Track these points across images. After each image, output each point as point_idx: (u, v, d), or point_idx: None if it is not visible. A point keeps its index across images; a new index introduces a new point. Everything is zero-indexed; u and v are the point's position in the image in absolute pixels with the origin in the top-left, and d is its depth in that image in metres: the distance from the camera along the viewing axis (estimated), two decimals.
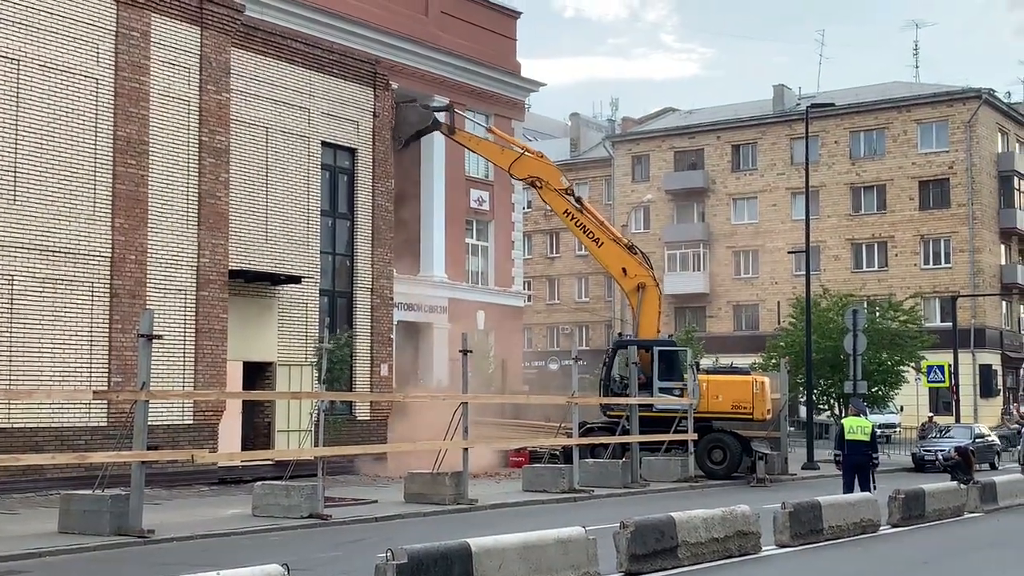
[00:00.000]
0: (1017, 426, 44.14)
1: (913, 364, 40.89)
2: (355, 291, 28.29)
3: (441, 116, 31.65)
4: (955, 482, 22.44)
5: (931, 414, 48.23)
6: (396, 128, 30.84)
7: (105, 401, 21.42)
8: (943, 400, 51.41)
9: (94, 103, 22.27)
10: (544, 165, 30.64)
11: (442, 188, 43.55)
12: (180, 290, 23.59)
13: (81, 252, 21.86)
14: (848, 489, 20.22)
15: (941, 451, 31.54)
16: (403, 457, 25.01)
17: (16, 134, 21.04)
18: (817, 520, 16.22)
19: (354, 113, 28.34)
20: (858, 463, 20.42)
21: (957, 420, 43.11)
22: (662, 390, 28.39)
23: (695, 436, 27.54)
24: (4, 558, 13.75)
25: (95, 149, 22.24)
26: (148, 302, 22.39)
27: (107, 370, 22.07)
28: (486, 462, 28.49)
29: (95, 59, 22.35)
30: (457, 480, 20.84)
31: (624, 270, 29.91)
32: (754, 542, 14.75)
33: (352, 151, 28.42)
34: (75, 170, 21.89)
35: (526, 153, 31.11)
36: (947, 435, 35.98)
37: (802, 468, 32.10)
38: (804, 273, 38.25)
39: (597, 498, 23.12)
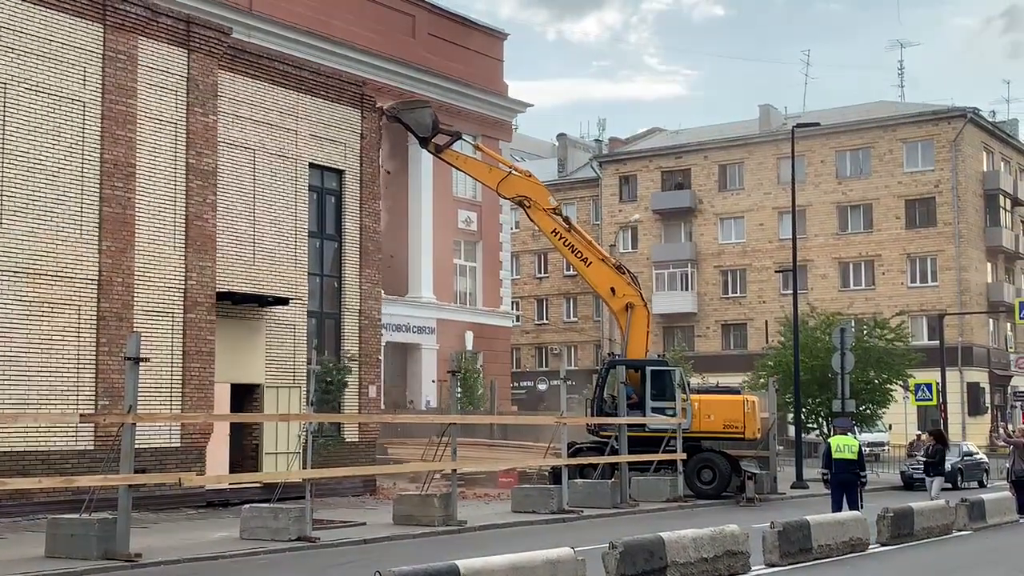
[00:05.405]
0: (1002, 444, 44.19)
1: (901, 382, 40.97)
2: (343, 312, 28.24)
3: (441, 140, 31.01)
4: (939, 477, 22.68)
5: (920, 432, 48.27)
6: (398, 106, 30.89)
7: (92, 424, 21.31)
8: (931, 418, 51.49)
9: (81, 126, 22.24)
10: (532, 184, 30.63)
11: (430, 209, 43.64)
12: (167, 312, 23.52)
13: (68, 275, 21.79)
14: (836, 507, 20.27)
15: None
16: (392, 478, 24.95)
17: (3, 157, 20.99)
18: (806, 539, 16.22)
19: (342, 135, 28.34)
20: (845, 481, 20.49)
21: None
22: (655, 410, 28.35)
23: (684, 456, 27.52)
24: None
25: (82, 172, 22.20)
26: (135, 325, 22.31)
27: (94, 393, 21.96)
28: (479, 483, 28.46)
29: (82, 82, 22.34)
30: (446, 502, 20.79)
31: (612, 290, 29.89)
32: (743, 562, 14.73)
33: (340, 172, 28.40)
34: (62, 193, 21.84)
35: (514, 172, 31.07)
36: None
37: (791, 487, 32.10)
38: (791, 292, 38.33)
39: (587, 518, 23.06)
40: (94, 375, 22.04)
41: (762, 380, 39.55)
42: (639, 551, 13.06)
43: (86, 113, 22.35)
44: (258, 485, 23.05)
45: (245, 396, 25.59)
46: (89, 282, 22.14)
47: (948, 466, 32.19)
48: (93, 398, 21.91)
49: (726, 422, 29.10)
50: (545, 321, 72.92)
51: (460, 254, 47.04)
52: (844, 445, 20.59)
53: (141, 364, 16.59)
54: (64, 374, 21.61)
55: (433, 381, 43.11)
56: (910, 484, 34.08)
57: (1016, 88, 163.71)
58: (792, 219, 39.63)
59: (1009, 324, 64.97)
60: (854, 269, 62.88)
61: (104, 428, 20.95)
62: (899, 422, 47.85)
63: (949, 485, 32.02)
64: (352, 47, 40.74)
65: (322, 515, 20.84)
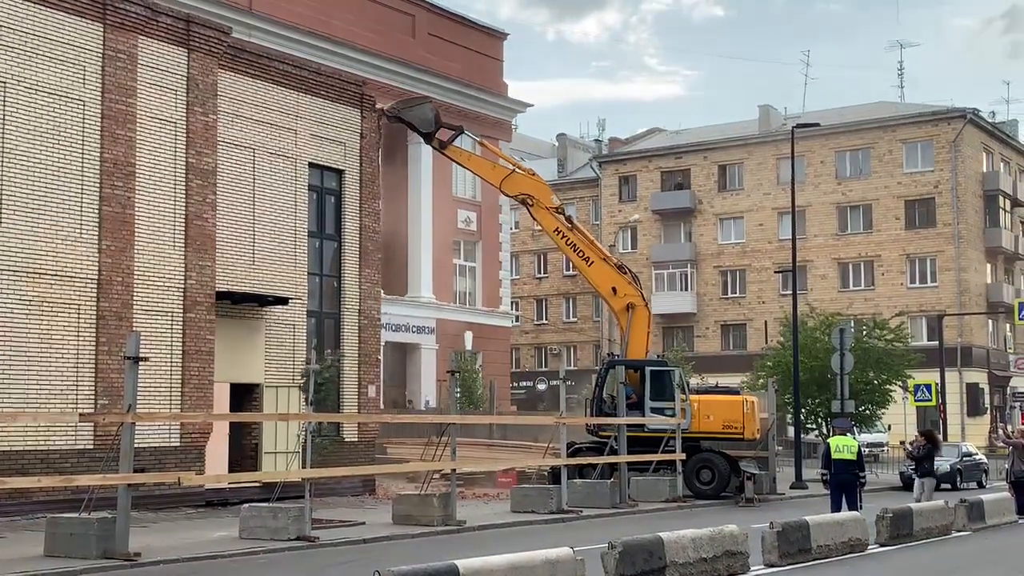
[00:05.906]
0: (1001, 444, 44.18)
1: (900, 383, 40.98)
2: (342, 312, 28.24)
3: (444, 136, 30.94)
4: (929, 478, 22.80)
5: (918, 433, 48.25)
6: (398, 105, 30.88)
7: (91, 424, 21.32)
8: (931, 419, 51.51)
9: (81, 125, 22.24)
10: (536, 183, 30.60)
11: (429, 208, 43.66)
12: (167, 312, 23.53)
13: (68, 274, 21.79)
14: (835, 508, 20.28)
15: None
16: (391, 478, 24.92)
17: (3, 157, 20.99)
18: (805, 539, 16.22)
19: (341, 134, 28.34)
20: (844, 481, 20.50)
21: (944, 439, 43.17)
22: (654, 410, 28.34)
23: (683, 456, 27.52)
24: None
25: (82, 171, 22.20)
26: (135, 324, 22.31)
27: (94, 392, 21.97)
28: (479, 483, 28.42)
29: (82, 81, 22.33)
30: (445, 501, 20.80)
31: (614, 289, 29.87)
32: (742, 562, 14.74)
33: (339, 172, 28.40)
34: (62, 192, 21.84)
35: (517, 170, 31.04)
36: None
37: (790, 487, 32.10)
38: (791, 292, 38.34)
39: (586, 518, 23.06)
40: (94, 375, 22.03)
41: (761, 380, 39.55)
42: (638, 551, 13.07)
43: (86, 112, 22.35)
44: (257, 484, 23.06)
45: (245, 395, 25.60)
46: (89, 282, 22.13)
47: (948, 467, 32.25)
48: (93, 397, 21.91)
49: (725, 422, 29.08)
50: (545, 321, 72.93)
51: (460, 254, 47.05)
52: (843, 446, 20.60)
53: (141, 364, 16.59)
54: (64, 374, 21.61)
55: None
56: (909, 485, 34.03)
57: (1016, 89, 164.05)
58: (792, 219, 39.65)
59: (1008, 325, 64.99)
60: (853, 270, 62.89)
61: (103, 427, 20.95)
62: (898, 423, 47.84)
63: (948, 486, 32.05)
64: (352, 47, 40.75)
65: (321, 515, 20.85)
